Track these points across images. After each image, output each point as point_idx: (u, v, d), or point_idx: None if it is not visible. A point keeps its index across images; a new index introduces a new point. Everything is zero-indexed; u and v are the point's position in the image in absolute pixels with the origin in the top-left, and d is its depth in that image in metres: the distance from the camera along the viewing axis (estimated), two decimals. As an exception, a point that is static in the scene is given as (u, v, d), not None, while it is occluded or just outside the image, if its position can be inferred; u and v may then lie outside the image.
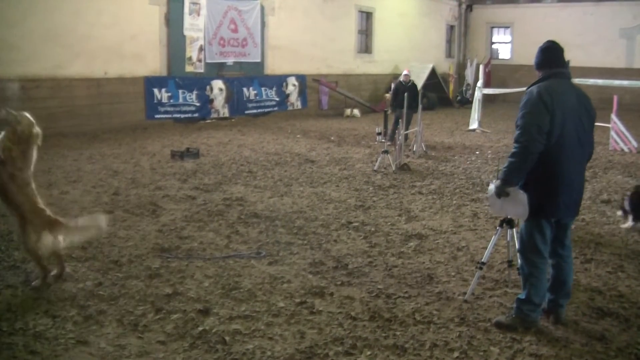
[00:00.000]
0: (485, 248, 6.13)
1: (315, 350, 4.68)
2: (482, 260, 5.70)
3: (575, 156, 4.90)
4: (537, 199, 4.84)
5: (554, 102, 4.74)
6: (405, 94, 13.81)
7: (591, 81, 20.18)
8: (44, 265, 5.92)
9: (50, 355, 4.57)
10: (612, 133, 15.25)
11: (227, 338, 4.85)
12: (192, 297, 5.65)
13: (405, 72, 16.35)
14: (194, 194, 9.74)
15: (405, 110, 13.69)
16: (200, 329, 5.01)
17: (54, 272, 6.00)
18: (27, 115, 5.98)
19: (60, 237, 5.94)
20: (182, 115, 18.51)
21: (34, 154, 5.96)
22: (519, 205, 4.93)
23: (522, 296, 5.09)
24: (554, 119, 4.73)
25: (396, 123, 14.42)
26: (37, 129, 5.96)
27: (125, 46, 16.91)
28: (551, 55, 5.01)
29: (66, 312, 5.29)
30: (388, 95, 23.97)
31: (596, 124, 5.21)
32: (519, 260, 5.30)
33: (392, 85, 17.82)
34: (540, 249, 5.03)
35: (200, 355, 4.60)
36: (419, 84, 21.47)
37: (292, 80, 22.01)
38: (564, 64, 5.00)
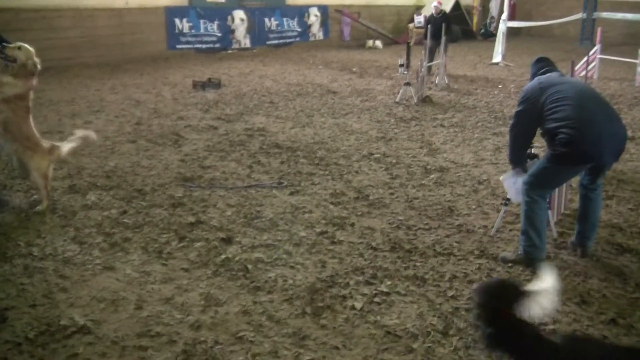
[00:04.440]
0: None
1: (336, 280, 4.76)
2: (508, 196, 5.64)
3: (597, 111, 4.80)
4: (564, 148, 4.77)
5: (549, 81, 5.03)
6: (429, 26, 13.67)
7: (619, 15, 19.71)
8: (49, 191, 6.14)
9: (79, 280, 4.70)
10: (639, 69, 14.92)
11: (249, 266, 4.93)
12: (215, 226, 5.74)
13: (435, 4, 16.05)
14: (216, 124, 9.77)
15: (429, 42, 13.57)
16: (223, 257, 5.10)
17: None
18: (27, 46, 5.97)
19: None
20: (204, 46, 18.41)
21: (34, 85, 6.03)
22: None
23: (522, 235, 5.07)
24: (555, 91, 4.90)
25: (431, 53, 14.34)
26: (36, 60, 5.99)
27: (145, -25, 16.74)
28: (541, 64, 5.43)
29: (93, 239, 5.41)
30: (411, 26, 23.63)
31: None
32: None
33: (415, 18, 17.48)
34: (546, 192, 5.09)
35: (223, 283, 4.70)
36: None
37: (313, 11, 21.71)
38: (553, 64, 5.43)
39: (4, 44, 5.89)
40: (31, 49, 5.94)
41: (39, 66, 5.97)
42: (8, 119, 5.77)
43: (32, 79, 5.93)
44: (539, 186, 4.97)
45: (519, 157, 5.31)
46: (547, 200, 5.58)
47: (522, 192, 5.05)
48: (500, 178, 5.72)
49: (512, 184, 5.37)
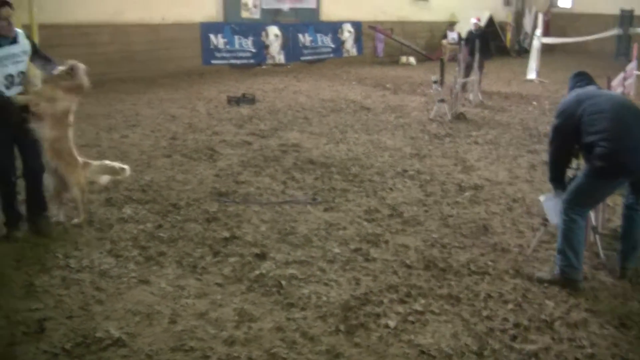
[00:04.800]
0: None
1: (370, 297, 4.74)
2: (547, 217, 5.50)
3: (634, 123, 4.73)
4: (602, 161, 4.70)
5: (586, 94, 5.01)
6: (462, 42, 13.64)
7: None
8: (86, 204, 6.22)
9: (114, 292, 4.75)
10: (678, 85, 14.67)
11: (283, 282, 4.94)
12: (249, 241, 5.76)
13: (474, 20, 15.98)
14: (250, 139, 9.83)
15: (467, 58, 13.53)
16: (257, 272, 5.11)
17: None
18: (82, 66, 6.09)
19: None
20: (238, 61, 18.55)
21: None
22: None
23: (559, 254, 4.99)
24: (591, 104, 4.87)
25: (468, 70, 14.24)
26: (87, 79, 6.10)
27: (182, -9, 16.96)
28: (579, 77, 5.41)
29: (128, 252, 5.47)
30: (445, 42, 23.56)
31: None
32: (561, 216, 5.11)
33: (449, 34, 17.31)
34: (585, 209, 5.00)
35: (257, 298, 4.71)
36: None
37: (347, 27, 21.75)
38: (591, 79, 5.38)
39: (73, 62, 6.03)
40: None
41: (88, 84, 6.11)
42: (56, 136, 5.84)
43: (78, 96, 6.07)
44: (578, 203, 4.90)
45: (558, 175, 5.24)
46: (594, 224, 5.50)
47: (561, 211, 4.99)
48: (541, 198, 5.66)
49: (553, 207, 5.28)
